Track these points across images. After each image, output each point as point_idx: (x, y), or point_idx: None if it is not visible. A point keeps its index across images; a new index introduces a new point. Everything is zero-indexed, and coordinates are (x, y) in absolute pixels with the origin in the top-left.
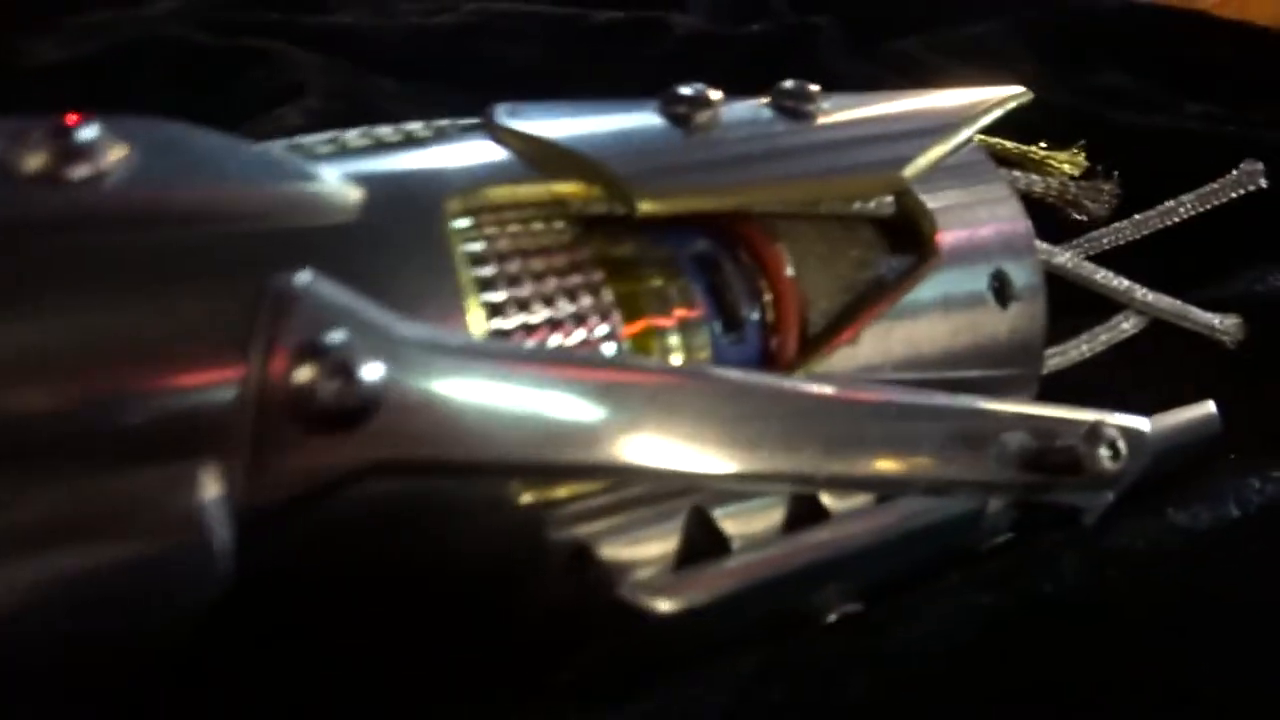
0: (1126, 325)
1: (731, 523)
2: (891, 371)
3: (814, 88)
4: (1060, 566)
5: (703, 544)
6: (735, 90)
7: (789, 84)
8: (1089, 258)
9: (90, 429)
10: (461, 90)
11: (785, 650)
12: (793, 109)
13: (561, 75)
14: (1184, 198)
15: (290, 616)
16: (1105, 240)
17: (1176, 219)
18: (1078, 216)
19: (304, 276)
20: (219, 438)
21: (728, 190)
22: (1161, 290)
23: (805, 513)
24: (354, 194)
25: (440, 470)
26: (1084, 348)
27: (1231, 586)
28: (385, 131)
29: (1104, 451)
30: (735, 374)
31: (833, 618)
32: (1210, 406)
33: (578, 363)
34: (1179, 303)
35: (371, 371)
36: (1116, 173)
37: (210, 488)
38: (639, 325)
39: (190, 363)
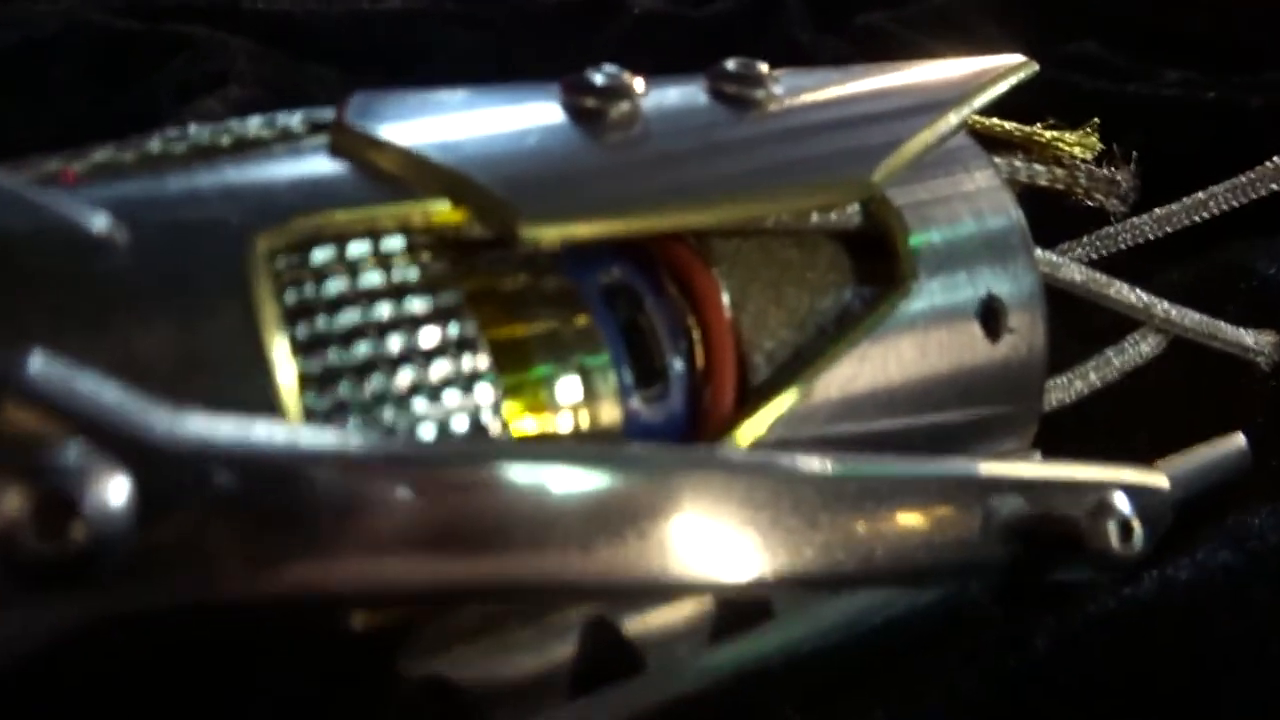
0: (1144, 347)
1: (643, 632)
2: (853, 422)
3: (762, 67)
4: (1033, 639)
5: (606, 663)
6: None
7: (731, 63)
8: (1101, 259)
9: None
10: (405, 80)
11: None
12: (736, 95)
13: (511, 61)
14: (1214, 190)
15: None
16: (1121, 240)
17: (1205, 215)
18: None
19: (23, 362)
20: None
21: (645, 210)
22: (1182, 301)
23: (739, 612)
24: (119, 232)
25: (222, 615)
26: (1092, 376)
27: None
28: (203, 135)
29: (1113, 529)
30: (643, 452)
31: None
32: (1240, 439)
33: (417, 460)
34: (1205, 318)
35: (112, 496)
36: (1135, 156)
37: None
38: (524, 377)
39: None
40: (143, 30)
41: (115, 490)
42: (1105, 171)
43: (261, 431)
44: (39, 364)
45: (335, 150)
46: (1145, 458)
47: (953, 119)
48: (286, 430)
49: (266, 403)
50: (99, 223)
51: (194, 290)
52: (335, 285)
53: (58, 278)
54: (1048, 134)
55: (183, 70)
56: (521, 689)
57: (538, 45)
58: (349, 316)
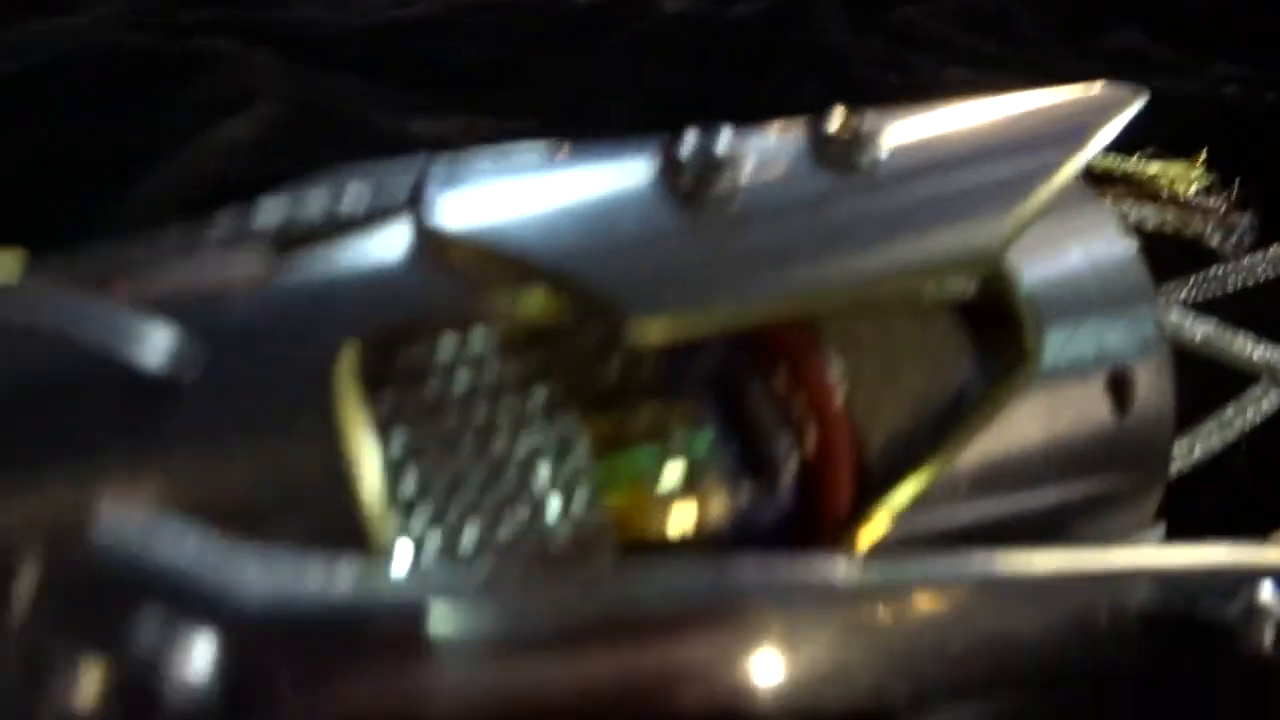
0: (1265, 404)
1: None
2: (977, 508)
3: (869, 122)
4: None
5: None
6: (732, 75)
7: (834, 123)
8: (1201, 303)
9: None
10: (431, 87)
11: None
12: (843, 158)
13: (539, 67)
14: None
15: None
16: (1231, 281)
17: None
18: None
19: (96, 512)
20: None
21: (759, 301)
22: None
23: None
24: (199, 356)
25: None
26: (1214, 439)
27: None
28: (269, 225)
29: (1269, 633)
30: (748, 572)
31: None
32: None
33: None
34: None
35: (196, 668)
36: (1246, 190)
37: None
38: (625, 472)
39: None
40: (158, 48)
41: (200, 660)
42: (1220, 211)
43: (342, 580)
44: (110, 509)
45: (418, 246)
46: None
47: (1072, 167)
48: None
49: (356, 526)
50: (167, 343)
51: (280, 414)
52: (425, 392)
53: (128, 414)
54: (1152, 168)
55: (204, 89)
56: None
57: (567, 51)
58: (442, 424)
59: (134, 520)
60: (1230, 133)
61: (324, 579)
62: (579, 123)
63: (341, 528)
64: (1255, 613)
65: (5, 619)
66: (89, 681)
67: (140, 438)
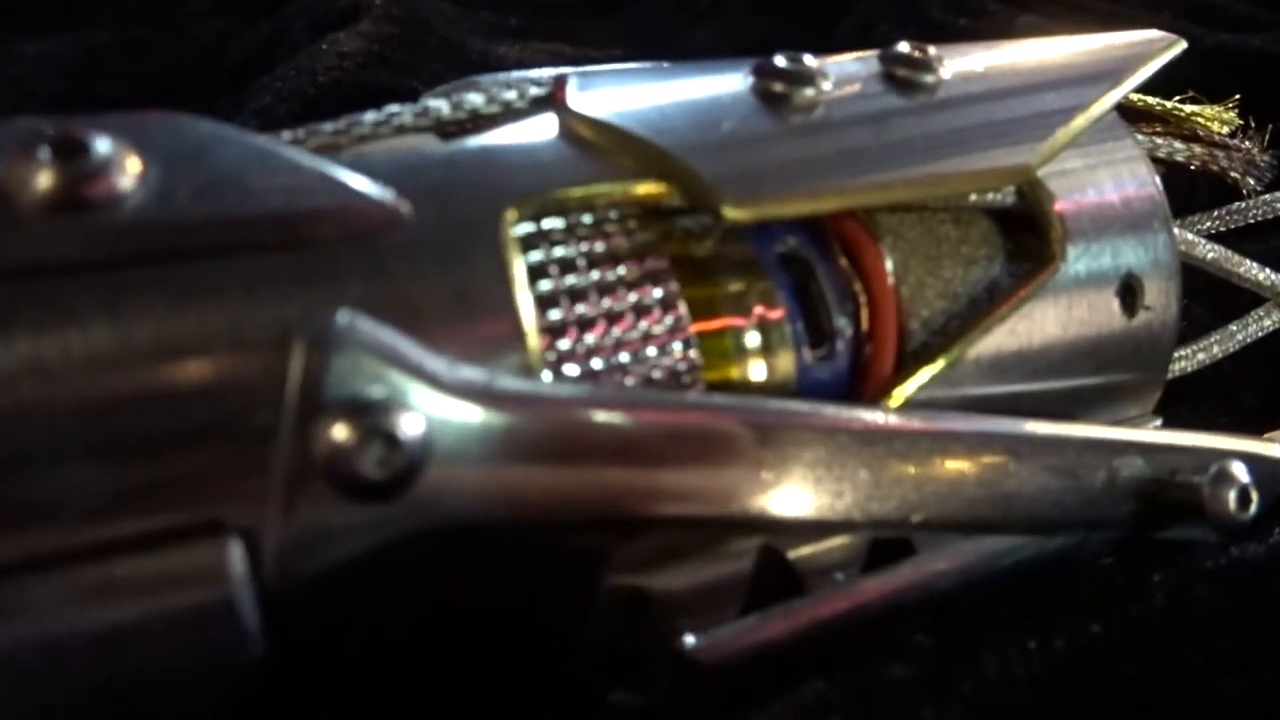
0: (1268, 322)
1: (806, 561)
2: (996, 386)
3: (933, 51)
4: (1149, 587)
5: (774, 585)
6: (810, 14)
7: (904, 48)
8: (1224, 233)
9: (108, 482)
10: (524, 13)
11: (853, 681)
12: (907, 79)
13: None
14: None
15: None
16: (1252, 215)
17: None
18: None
19: (340, 320)
20: (247, 501)
21: (831, 192)
22: None
23: (887, 548)
24: (401, 207)
25: (496, 531)
26: (1215, 349)
27: None
28: (444, 109)
29: (1232, 496)
30: (817, 411)
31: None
32: None
33: (644, 404)
34: None
35: (415, 427)
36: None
37: (237, 565)
38: (713, 331)
39: (213, 417)
40: None
41: (416, 426)
42: (1244, 149)
43: (516, 383)
44: (350, 321)
45: (560, 128)
46: (1252, 419)
47: (1106, 102)
48: (531, 381)
49: (517, 350)
50: (386, 200)
51: (458, 256)
52: (564, 251)
53: (362, 245)
54: (1187, 108)
55: (313, 5)
56: (702, 602)
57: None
58: (575, 278)
59: (366, 328)
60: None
61: (500, 380)
62: (662, 55)
63: (508, 354)
64: (1223, 480)
65: (282, 391)
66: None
67: (367, 270)
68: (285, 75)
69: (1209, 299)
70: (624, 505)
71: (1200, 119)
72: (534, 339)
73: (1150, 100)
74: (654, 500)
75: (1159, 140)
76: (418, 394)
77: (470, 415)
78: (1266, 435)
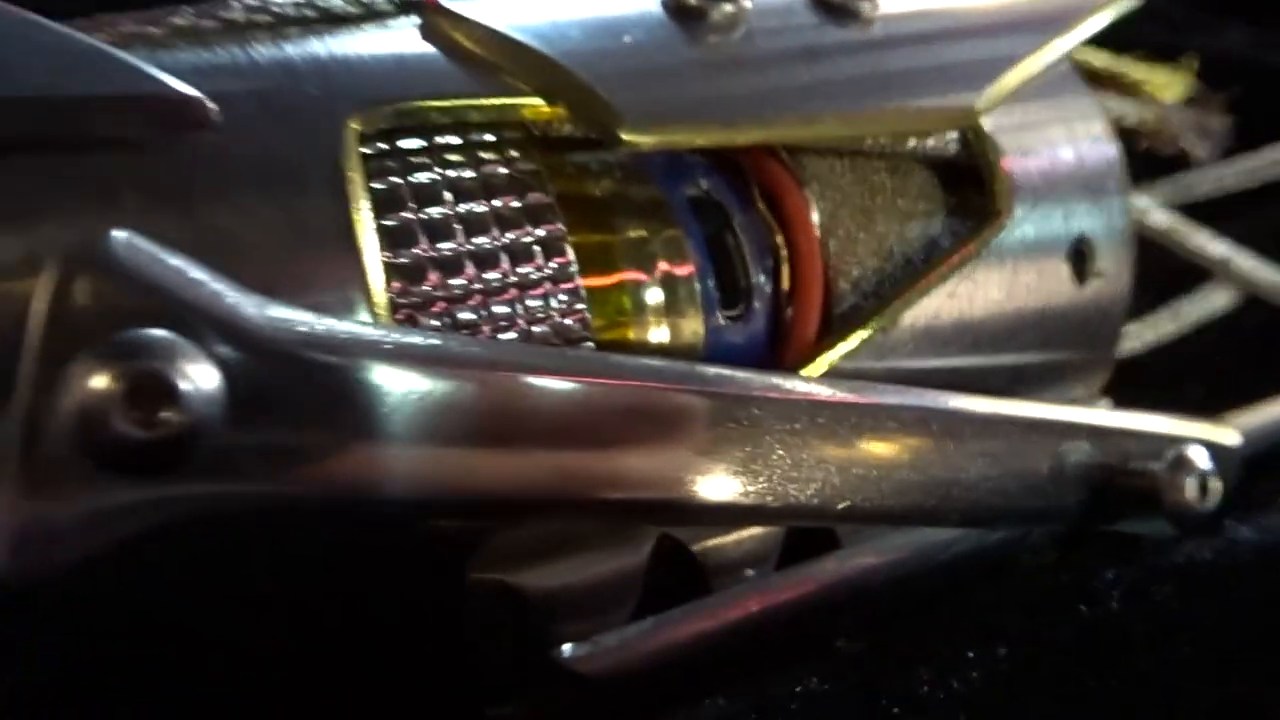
0: (1218, 300)
1: (712, 554)
2: (933, 358)
3: None
4: (1104, 588)
5: (674, 583)
6: None
7: None
8: (1175, 206)
9: None
10: None
11: (761, 695)
12: (841, 6)
13: None
14: None
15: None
16: (1202, 187)
17: None
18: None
19: (108, 238)
20: None
21: (745, 122)
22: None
23: (807, 540)
24: (210, 105)
25: (308, 511)
26: (1166, 327)
27: None
28: (288, 6)
29: (1191, 484)
30: (725, 378)
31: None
32: None
33: (505, 361)
34: None
35: (204, 379)
36: (1226, 100)
37: None
38: (607, 284)
39: None
40: None
41: (207, 377)
42: (1198, 116)
43: (345, 328)
44: (126, 240)
45: (428, 32)
46: (1198, 408)
47: (1060, 47)
48: (372, 329)
49: (356, 292)
50: (190, 94)
51: (286, 172)
52: (424, 176)
53: (148, 149)
54: (1140, 70)
55: None
56: (590, 603)
57: None
58: (437, 210)
59: (145, 248)
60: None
61: (324, 326)
62: None
63: (342, 287)
64: (1181, 466)
65: (23, 329)
66: (99, 380)
67: (158, 181)
68: None
69: (1149, 277)
70: (482, 488)
71: (1153, 84)
72: (377, 279)
73: (1101, 58)
74: (516, 484)
75: (1110, 103)
76: (210, 337)
77: (284, 367)
78: (1218, 418)
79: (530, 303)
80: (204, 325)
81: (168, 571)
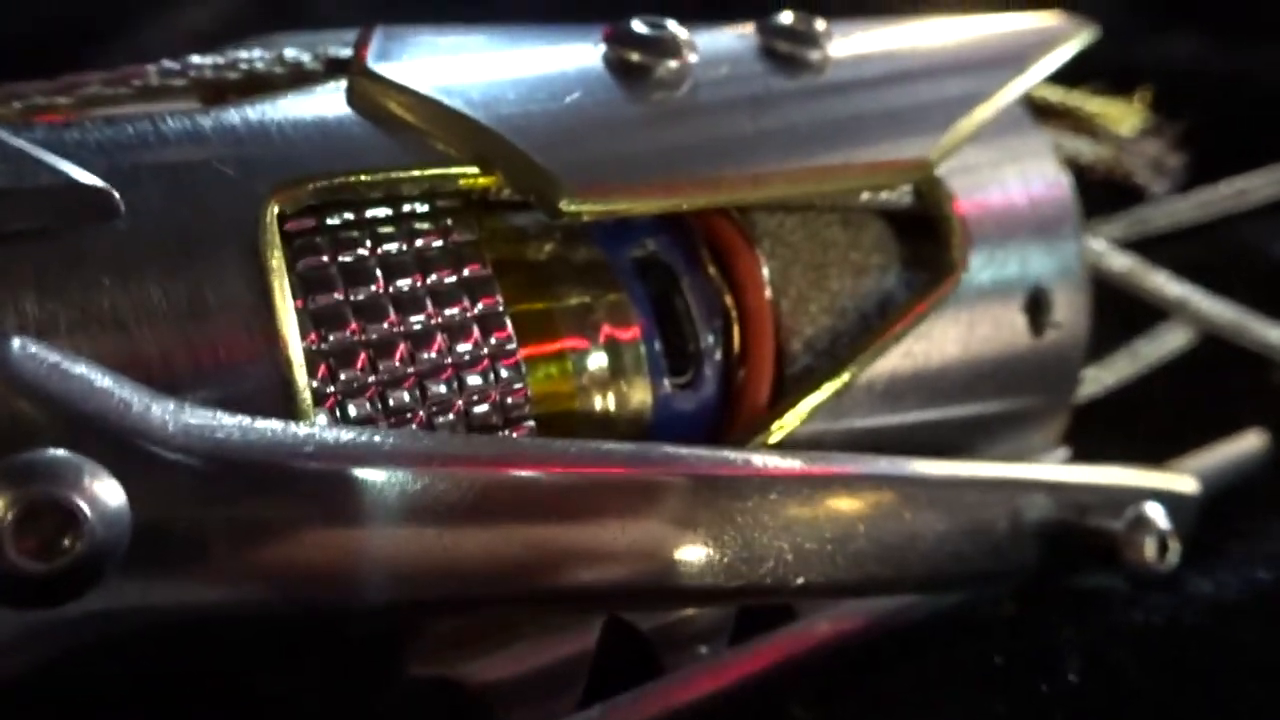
0: (1174, 340)
1: (663, 633)
2: (889, 415)
3: (819, 24)
4: (1061, 654)
5: (623, 665)
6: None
7: (786, 18)
8: (1130, 242)
9: None
10: None
11: None
12: (790, 55)
13: None
14: (1254, 178)
15: None
16: (1157, 221)
17: (1251, 203)
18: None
19: (8, 350)
20: None
21: (696, 185)
22: (1217, 290)
23: (760, 611)
24: (116, 191)
25: (223, 624)
26: (1124, 370)
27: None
28: (205, 69)
29: (1150, 544)
30: (673, 458)
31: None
32: (1261, 438)
33: (439, 454)
34: (1238, 314)
35: (108, 498)
36: (1182, 135)
37: None
38: (550, 354)
39: None
40: None
41: (112, 496)
42: (1153, 149)
43: (260, 430)
44: (22, 350)
45: (355, 98)
46: (1145, 447)
47: (1013, 91)
48: (285, 429)
49: (276, 383)
50: (94, 184)
51: (199, 257)
52: (354, 254)
53: (50, 242)
54: (1094, 105)
55: None
56: (536, 690)
57: None
58: (367, 290)
59: (44, 358)
60: (1176, 100)
61: (241, 432)
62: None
63: (262, 382)
64: (1140, 525)
65: None
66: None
67: (63, 276)
68: (118, 51)
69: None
70: (406, 588)
71: (1107, 118)
72: (299, 368)
73: (1053, 93)
74: (437, 580)
75: (1064, 141)
76: (114, 454)
77: (195, 481)
78: (1168, 463)
79: (469, 380)
80: (108, 441)
81: (71, 695)
